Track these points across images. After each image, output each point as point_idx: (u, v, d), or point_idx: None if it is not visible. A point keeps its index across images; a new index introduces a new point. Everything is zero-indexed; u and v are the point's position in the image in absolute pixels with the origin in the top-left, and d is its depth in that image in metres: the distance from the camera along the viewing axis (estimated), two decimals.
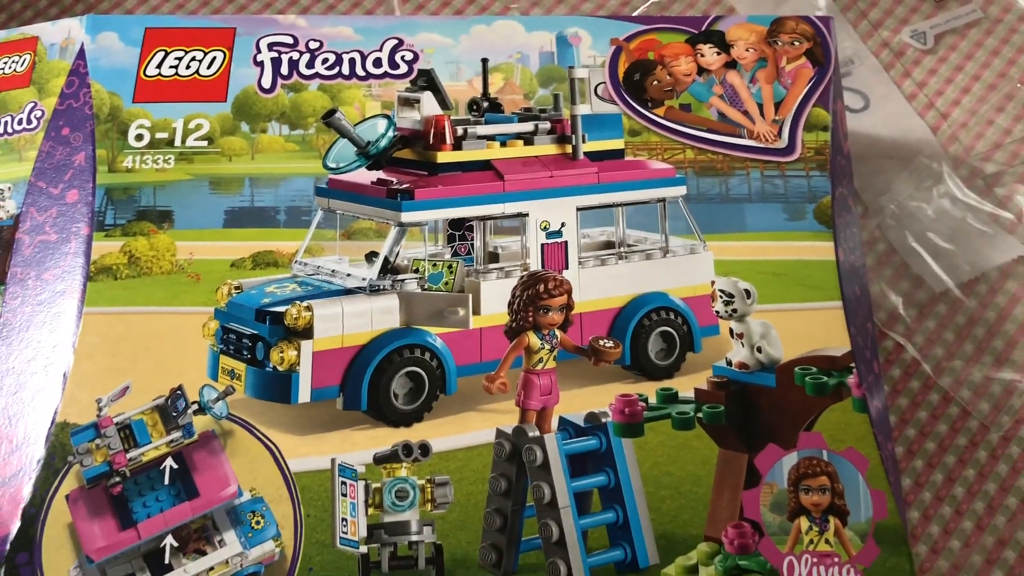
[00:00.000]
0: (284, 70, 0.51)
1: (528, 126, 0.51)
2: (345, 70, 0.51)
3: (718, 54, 0.53)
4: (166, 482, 0.45)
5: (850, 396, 0.46)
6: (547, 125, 0.51)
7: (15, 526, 0.44)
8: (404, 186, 0.49)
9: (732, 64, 0.54)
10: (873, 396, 0.47)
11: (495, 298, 0.47)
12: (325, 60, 0.51)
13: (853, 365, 0.47)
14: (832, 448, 0.46)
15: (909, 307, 0.60)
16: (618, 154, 0.50)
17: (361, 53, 0.51)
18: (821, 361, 0.47)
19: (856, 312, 0.48)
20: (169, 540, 0.44)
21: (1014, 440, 0.56)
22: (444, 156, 0.50)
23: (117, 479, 0.45)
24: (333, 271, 0.48)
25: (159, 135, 0.50)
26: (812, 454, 0.45)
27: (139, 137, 0.51)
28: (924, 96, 0.69)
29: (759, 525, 0.44)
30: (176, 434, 0.46)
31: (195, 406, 0.46)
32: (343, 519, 0.44)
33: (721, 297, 0.48)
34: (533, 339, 0.47)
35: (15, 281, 0.49)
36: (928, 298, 0.60)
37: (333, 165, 0.50)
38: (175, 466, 0.45)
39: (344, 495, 0.45)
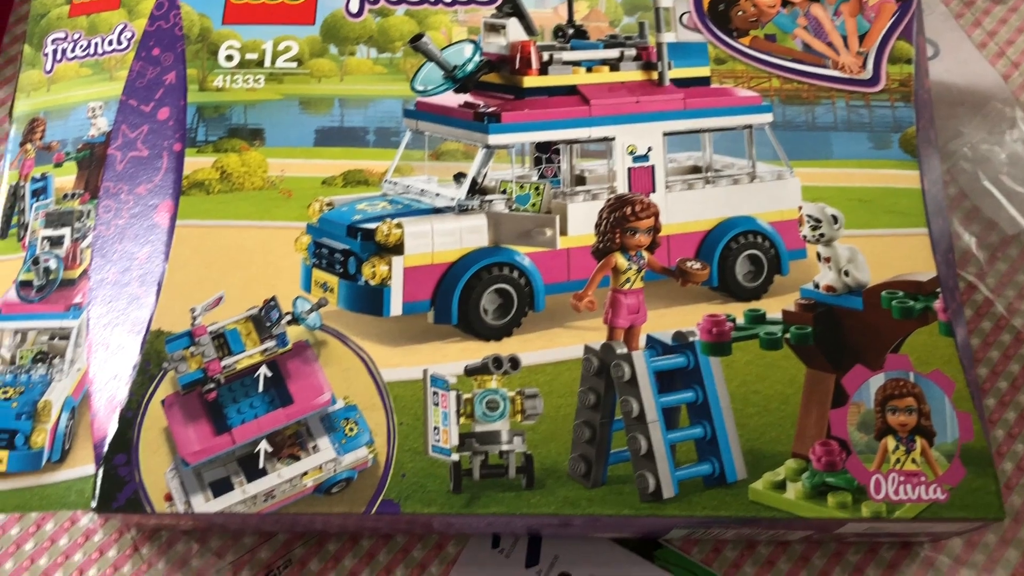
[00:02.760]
0: None
1: (614, 52, 0.51)
2: None
3: None
4: (260, 389, 0.46)
5: (936, 321, 0.47)
6: (633, 52, 0.51)
7: (112, 429, 0.45)
8: (491, 109, 0.49)
9: None
10: (956, 325, 0.47)
11: (582, 219, 0.48)
12: None
13: (939, 290, 0.47)
14: (918, 370, 0.46)
15: (980, 249, 0.60)
16: (704, 81, 0.51)
17: None
18: (907, 286, 0.47)
19: (940, 242, 0.49)
20: (263, 445, 0.45)
21: None
22: (530, 81, 0.50)
23: (212, 386, 0.46)
24: (422, 191, 0.49)
25: (249, 56, 0.51)
26: (899, 375, 0.46)
27: (229, 58, 0.51)
28: (995, 45, 0.68)
29: (846, 443, 0.45)
30: (270, 343, 0.46)
31: (288, 317, 0.47)
32: (435, 428, 0.45)
33: (808, 222, 0.48)
34: (620, 260, 0.48)
35: (108, 195, 0.50)
36: (1000, 241, 0.60)
37: (421, 88, 0.50)
38: (269, 374, 0.46)
39: (436, 404, 0.45)
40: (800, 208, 0.48)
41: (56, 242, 0.50)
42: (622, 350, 0.46)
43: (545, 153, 0.49)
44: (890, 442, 0.45)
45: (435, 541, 0.53)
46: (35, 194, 0.52)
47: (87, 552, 0.54)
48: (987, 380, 0.57)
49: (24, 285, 0.50)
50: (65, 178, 0.51)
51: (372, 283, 0.47)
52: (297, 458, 0.45)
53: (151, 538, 0.53)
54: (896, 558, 0.52)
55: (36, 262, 0.50)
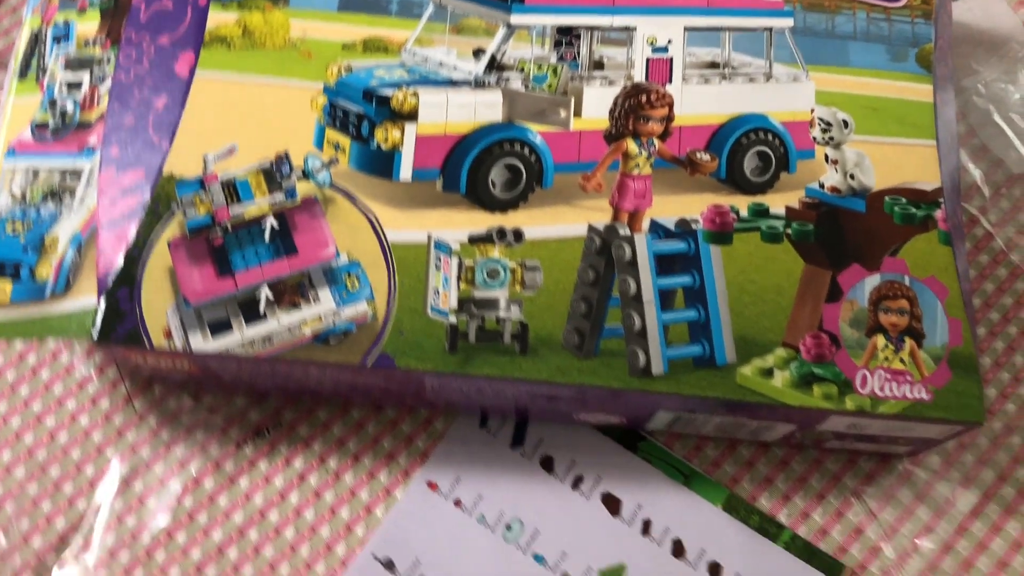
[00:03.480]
0: None
1: None
2: None
3: None
4: (266, 239, 0.46)
5: (936, 229, 0.48)
6: None
7: (118, 265, 0.46)
8: None
9: None
10: (961, 237, 0.48)
11: (597, 103, 0.48)
12: None
13: (941, 200, 0.48)
14: (914, 275, 0.47)
15: (986, 185, 0.61)
16: None
17: None
18: (911, 193, 0.48)
19: (948, 157, 0.49)
20: (265, 291, 0.45)
21: None
22: None
23: (218, 231, 0.46)
24: (441, 63, 0.49)
25: None
26: (894, 278, 0.47)
27: None
28: None
29: (837, 338, 0.46)
30: (279, 195, 0.47)
31: (299, 172, 0.47)
32: (435, 290, 0.46)
33: (819, 124, 0.49)
34: (631, 145, 0.48)
35: (129, 43, 0.50)
36: (1006, 179, 0.61)
37: None
38: (276, 225, 0.46)
39: (438, 268, 0.46)
40: (812, 111, 0.49)
41: (74, 86, 0.51)
42: (625, 231, 0.47)
43: (566, 37, 0.50)
44: (880, 340, 0.46)
45: (424, 417, 0.54)
46: (56, 39, 0.52)
47: (80, 401, 0.55)
48: (980, 311, 0.57)
49: (40, 126, 0.50)
50: (87, 25, 0.51)
51: (384, 147, 0.47)
52: (297, 306, 0.45)
53: (144, 391, 0.54)
54: (874, 470, 0.53)
55: (53, 104, 0.50)
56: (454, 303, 0.45)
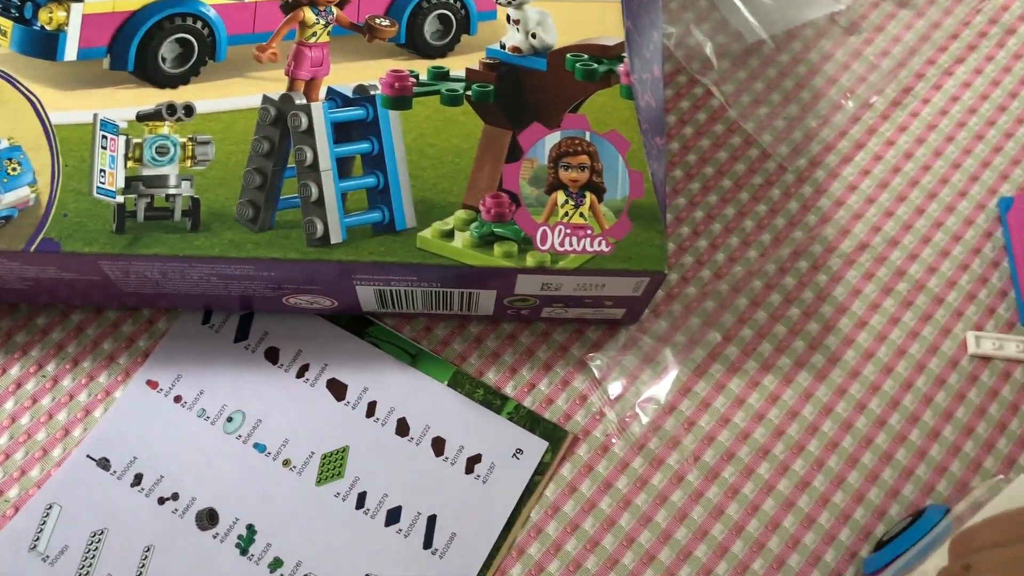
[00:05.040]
0: None
1: None
2: None
3: None
4: None
5: (618, 84, 0.47)
6: None
7: None
8: None
9: None
10: (646, 91, 0.48)
11: None
12: None
13: (624, 55, 0.48)
14: (595, 130, 0.46)
15: (723, 58, 0.61)
16: None
17: None
18: (593, 49, 0.48)
19: (638, 13, 0.49)
20: None
21: (808, 181, 0.58)
22: None
23: None
24: None
25: None
26: (575, 134, 0.46)
27: None
28: None
29: (517, 197, 0.45)
30: None
31: None
32: (101, 170, 0.44)
33: None
34: (308, 14, 0.47)
35: None
36: (742, 50, 0.61)
37: None
38: None
39: (104, 148, 0.45)
40: None
41: None
42: (301, 100, 0.46)
43: None
44: (560, 196, 0.45)
45: (146, 318, 0.53)
46: None
47: None
48: (711, 179, 0.57)
49: None
50: None
51: (48, 28, 0.46)
52: None
53: None
54: (601, 338, 0.53)
55: None
56: (121, 183, 0.44)
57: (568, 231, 0.45)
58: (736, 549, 0.49)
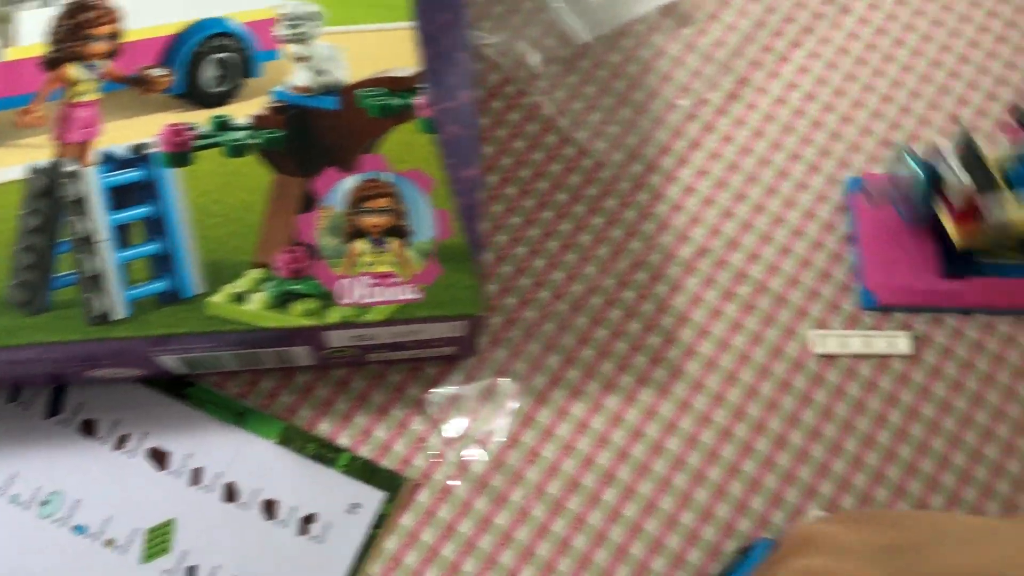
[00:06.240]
0: None
1: None
2: None
3: None
4: None
5: (416, 118, 0.45)
6: None
7: None
8: None
9: None
10: (452, 121, 0.45)
11: (33, 28, 0.43)
12: None
13: (422, 85, 0.45)
14: (396, 169, 0.44)
15: (553, 63, 0.58)
16: None
17: None
18: (387, 82, 0.45)
19: (437, 37, 0.46)
20: None
21: (644, 187, 0.56)
22: None
23: None
24: None
25: None
26: (373, 176, 0.44)
27: None
28: None
29: (314, 249, 0.43)
30: None
31: None
32: None
33: (285, 20, 0.45)
34: (74, 70, 0.43)
35: None
36: (572, 54, 0.59)
37: None
38: None
39: None
40: (277, 7, 0.45)
41: None
42: (72, 166, 0.42)
43: None
44: (361, 244, 0.43)
45: None
46: None
47: None
48: (547, 193, 0.55)
49: None
50: None
51: None
52: None
53: None
54: (439, 375, 0.51)
55: None
56: None
57: (373, 281, 0.43)
58: None
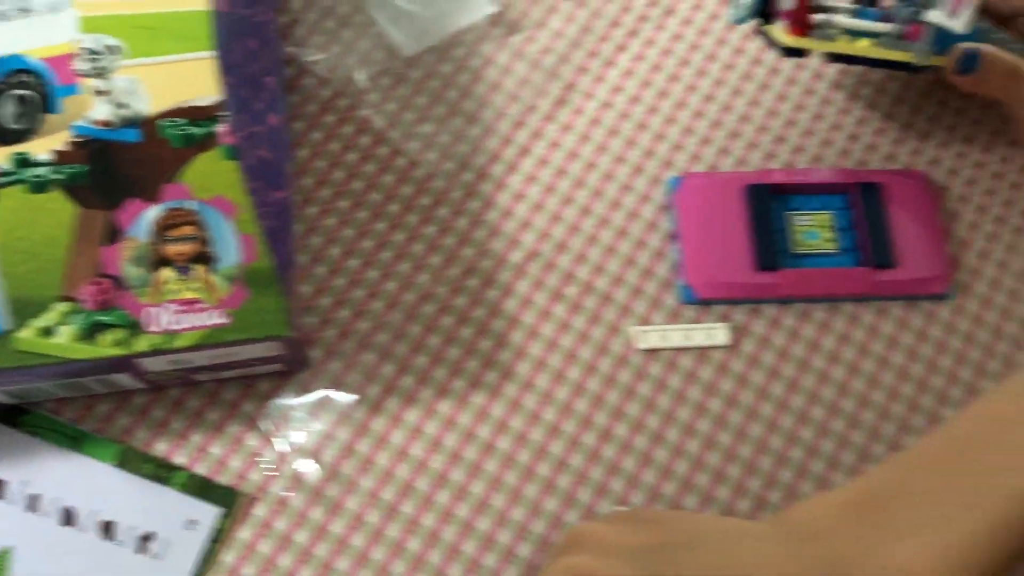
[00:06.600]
0: None
1: None
2: None
3: None
4: None
5: (219, 146, 0.46)
6: None
7: None
8: None
9: None
10: (258, 145, 0.46)
11: None
12: None
13: (222, 114, 0.46)
14: (199, 197, 0.45)
15: (384, 76, 0.60)
16: None
17: None
18: (189, 112, 0.46)
19: (243, 63, 0.47)
20: None
21: (476, 195, 0.58)
22: None
23: None
24: None
25: None
26: (177, 205, 0.45)
27: None
28: None
29: (120, 279, 0.44)
30: None
31: None
32: None
33: (85, 55, 0.45)
34: None
35: None
36: (403, 65, 0.60)
37: None
38: None
39: None
40: (77, 41, 0.46)
41: None
42: None
43: None
44: (167, 272, 0.44)
45: None
46: None
47: None
48: (379, 204, 0.57)
49: None
50: None
51: None
52: None
53: None
54: (273, 390, 0.53)
55: None
56: None
57: (180, 308, 0.44)
58: None
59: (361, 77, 0.57)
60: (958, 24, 0.47)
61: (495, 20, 0.62)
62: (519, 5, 0.62)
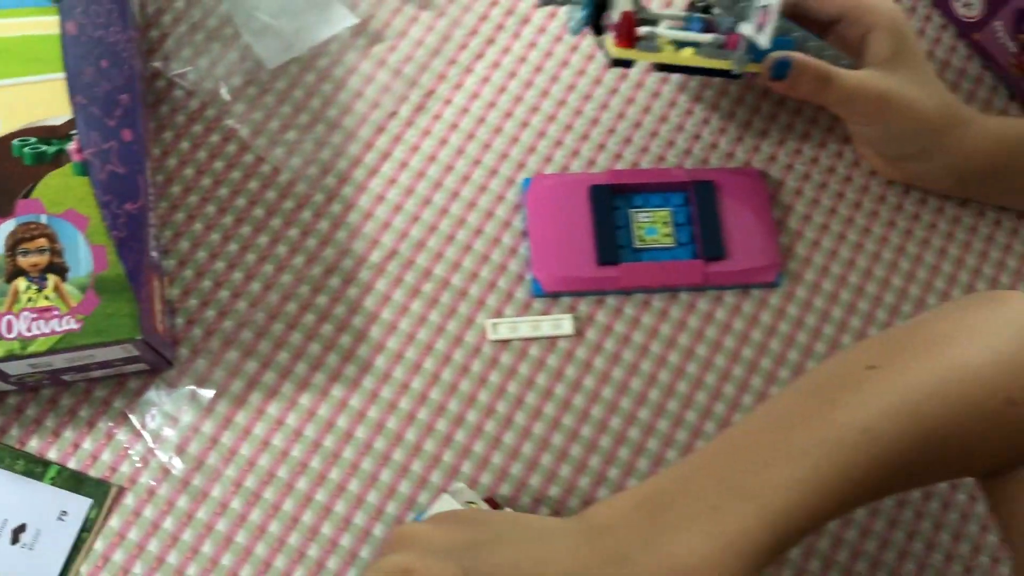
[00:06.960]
0: None
1: None
2: None
3: None
4: None
5: (70, 163, 0.49)
6: None
7: None
8: None
9: None
10: (109, 161, 0.49)
11: None
12: None
13: (73, 132, 0.49)
14: (51, 211, 0.48)
15: (251, 86, 0.63)
16: None
17: None
18: (41, 131, 0.49)
19: (94, 83, 0.50)
20: None
21: (337, 199, 0.61)
22: None
23: None
24: None
25: None
26: (30, 219, 0.48)
27: None
28: None
29: None
30: None
31: None
32: None
33: None
34: None
35: None
36: (269, 76, 0.63)
37: None
38: None
39: None
40: None
41: None
42: None
43: None
44: (21, 283, 0.47)
45: None
46: None
47: None
48: (244, 216, 0.60)
49: None
50: None
51: None
52: None
53: None
54: (142, 387, 0.56)
55: None
56: None
57: (34, 316, 0.47)
58: (279, 563, 0.53)
59: (227, 88, 0.60)
60: (762, 39, 0.52)
61: (358, 31, 0.65)
62: (381, 16, 0.65)
